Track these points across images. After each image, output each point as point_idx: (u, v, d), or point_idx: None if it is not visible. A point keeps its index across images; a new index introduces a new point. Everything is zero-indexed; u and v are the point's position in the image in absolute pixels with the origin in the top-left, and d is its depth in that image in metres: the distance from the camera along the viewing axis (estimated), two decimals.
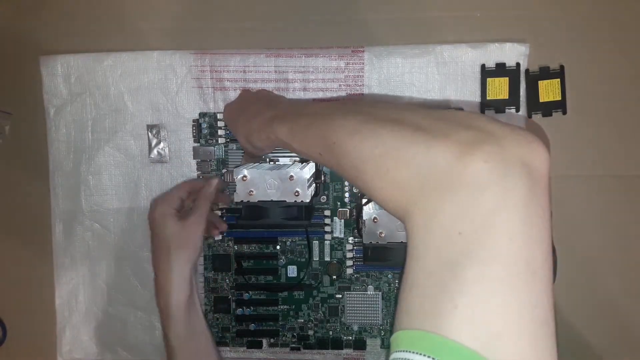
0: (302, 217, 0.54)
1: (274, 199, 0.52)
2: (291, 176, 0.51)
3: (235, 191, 0.52)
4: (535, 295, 0.27)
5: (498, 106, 0.59)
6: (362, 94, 0.60)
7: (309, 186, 0.53)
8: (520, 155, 0.28)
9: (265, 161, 0.59)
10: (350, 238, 0.62)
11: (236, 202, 0.53)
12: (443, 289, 0.27)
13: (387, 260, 0.56)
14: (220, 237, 0.62)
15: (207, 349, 0.55)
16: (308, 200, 0.52)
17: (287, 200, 0.52)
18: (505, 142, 0.29)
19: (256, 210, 0.53)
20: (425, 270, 0.28)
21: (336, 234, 0.62)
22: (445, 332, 0.26)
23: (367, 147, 0.33)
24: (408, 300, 0.29)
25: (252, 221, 0.53)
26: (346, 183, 0.61)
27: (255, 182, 0.52)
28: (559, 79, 0.59)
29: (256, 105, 0.53)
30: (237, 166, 0.55)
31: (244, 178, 0.52)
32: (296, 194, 0.51)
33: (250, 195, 0.52)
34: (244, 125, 0.51)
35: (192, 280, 0.53)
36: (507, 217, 0.27)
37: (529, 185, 0.28)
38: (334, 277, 0.62)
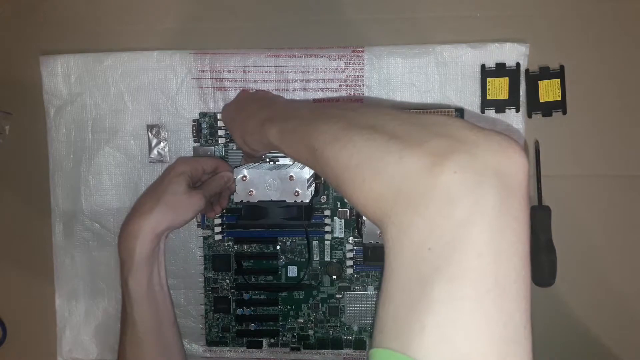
0: (302, 217, 0.54)
1: (274, 199, 0.52)
2: (291, 176, 0.51)
3: (235, 191, 0.52)
4: (506, 314, 0.26)
5: (498, 106, 0.59)
6: (362, 94, 0.60)
7: (309, 186, 0.53)
8: (494, 163, 0.27)
9: (265, 161, 0.59)
10: (350, 238, 0.62)
11: (236, 202, 0.53)
12: (413, 307, 0.26)
13: None
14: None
15: (167, 311, 0.54)
16: (308, 200, 0.52)
17: (287, 200, 0.52)
18: (478, 150, 0.28)
19: (256, 210, 0.53)
20: (398, 286, 0.28)
21: (336, 234, 0.62)
22: (414, 353, 0.25)
23: (344, 156, 0.33)
24: (382, 316, 0.28)
25: (252, 221, 0.53)
26: None
27: (255, 182, 0.52)
28: (559, 79, 0.59)
29: (252, 106, 0.53)
30: (237, 166, 0.55)
31: (244, 178, 0.52)
32: (296, 194, 0.51)
33: (250, 195, 0.52)
34: (240, 127, 0.51)
35: (160, 240, 0.52)
36: (476, 231, 0.26)
37: (501, 196, 0.27)
38: (334, 277, 0.62)
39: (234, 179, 0.52)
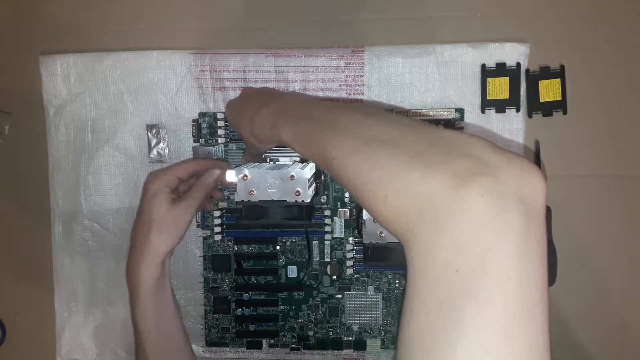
0: (303, 217, 0.53)
1: (275, 198, 0.51)
2: (292, 176, 0.51)
3: (235, 191, 0.52)
4: (532, 336, 0.26)
5: (498, 106, 0.59)
6: (362, 94, 0.60)
7: (310, 186, 0.53)
8: (517, 188, 0.28)
9: (265, 161, 0.59)
10: (350, 238, 0.62)
11: (236, 202, 0.53)
12: (442, 329, 0.27)
13: (387, 260, 0.56)
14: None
15: (177, 335, 0.54)
16: (309, 200, 0.52)
17: (288, 200, 0.52)
18: (502, 173, 0.28)
19: (256, 210, 0.53)
20: (423, 306, 0.28)
21: (336, 234, 0.61)
22: None
23: (365, 169, 0.33)
24: (407, 336, 0.28)
25: (252, 221, 0.53)
26: None
27: (256, 182, 0.51)
28: (559, 79, 0.59)
29: (262, 98, 0.52)
30: (237, 166, 0.55)
31: (245, 177, 0.51)
32: (297, 193, 0.51)
33: (251, 194, 0.51)
34: (250, 119, 0.50)
35: (164, 265, 0.52)
36: (503, 255, 0.27)
37: (525, 220, 0.27)
38: (334, 277, 0.62)
39: (225, 172, 0.51)
